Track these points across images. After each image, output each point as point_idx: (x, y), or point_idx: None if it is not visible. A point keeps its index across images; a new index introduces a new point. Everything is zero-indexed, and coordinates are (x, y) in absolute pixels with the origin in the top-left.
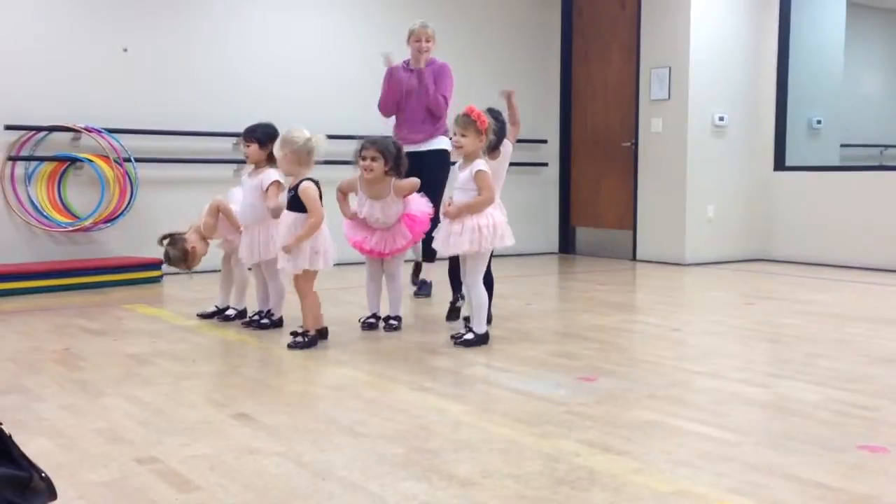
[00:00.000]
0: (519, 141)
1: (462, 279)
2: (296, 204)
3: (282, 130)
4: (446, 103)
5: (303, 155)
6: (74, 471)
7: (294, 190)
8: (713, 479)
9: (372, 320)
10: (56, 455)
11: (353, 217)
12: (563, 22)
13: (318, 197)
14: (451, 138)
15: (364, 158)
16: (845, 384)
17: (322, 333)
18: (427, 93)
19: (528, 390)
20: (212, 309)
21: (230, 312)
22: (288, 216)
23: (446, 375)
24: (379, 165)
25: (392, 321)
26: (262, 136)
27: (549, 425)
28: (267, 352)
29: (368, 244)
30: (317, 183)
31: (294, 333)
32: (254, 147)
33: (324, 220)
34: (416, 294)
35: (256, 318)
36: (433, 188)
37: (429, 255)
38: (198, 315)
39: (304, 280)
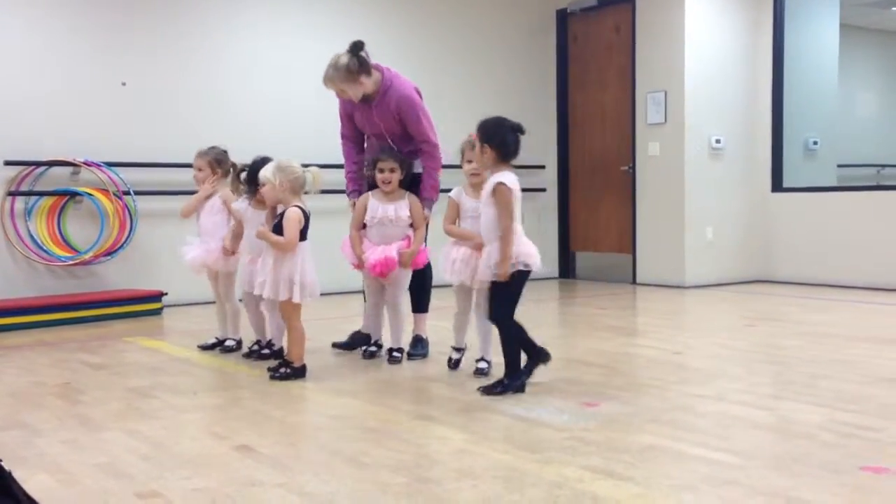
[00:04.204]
0: (517, 167)
1: (475, 312)
2: (282, 229)
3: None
4: (434, 142)
5: (297, 185)
6: None
7: (282, 216)
8: (717, 503)
9: (373, 349)
10: (57, 491)
11: (361, 259)
12: (558, 48)
13: (299, 224)
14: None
15: (382, 171)
16: (848, 405)
17: (302, 370)
18: (386, 130)
19: (530, 417)
20: (212, 341)
21: (229, 343)
22: (300, 246)
23: (447, 403)
24: (396, 176)
25: (395, 353)
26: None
27: (552, 451)
28: (268, 383)
29: (374, 255)
30: (307, 214)
31: (280, 364)
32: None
33: (304, 252)
34: (410, 356)
35: (256, 348)
36: None
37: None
38: (198, 347)
39: (288, 310)
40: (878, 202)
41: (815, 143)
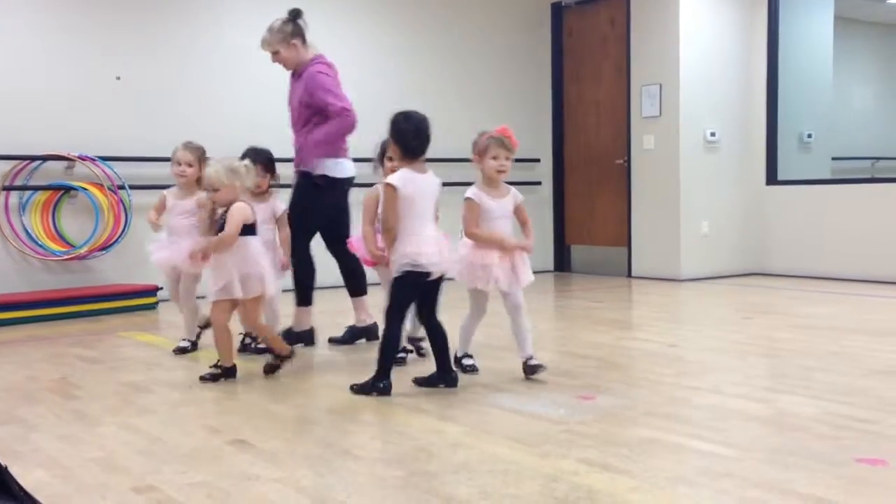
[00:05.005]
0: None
1: (514, 314)
2: (247, 227)
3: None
4: (337, 107)
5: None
6: (72, 502)
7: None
8: (713, 496)
9: (424, 352)
10: (53, 486)
11: (379, 257)
12: (553, 42)
13: (243, 220)
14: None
15: (392, 159)
16: (843, 397)
17: (231, 371)
18: (297, 108)
19: (527, 410)
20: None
21: (184, 344)
22: (255, 240)
23: (444, 396)
24: None
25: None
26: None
27: (548, 445)
28: (263, 377)
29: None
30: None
31: (212, 366)
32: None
33: (256, 246)
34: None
35: (249, 341)
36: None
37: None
38: (174, 351)
39: (253, 308)
40: (872, 195)
41: (810, 135)
